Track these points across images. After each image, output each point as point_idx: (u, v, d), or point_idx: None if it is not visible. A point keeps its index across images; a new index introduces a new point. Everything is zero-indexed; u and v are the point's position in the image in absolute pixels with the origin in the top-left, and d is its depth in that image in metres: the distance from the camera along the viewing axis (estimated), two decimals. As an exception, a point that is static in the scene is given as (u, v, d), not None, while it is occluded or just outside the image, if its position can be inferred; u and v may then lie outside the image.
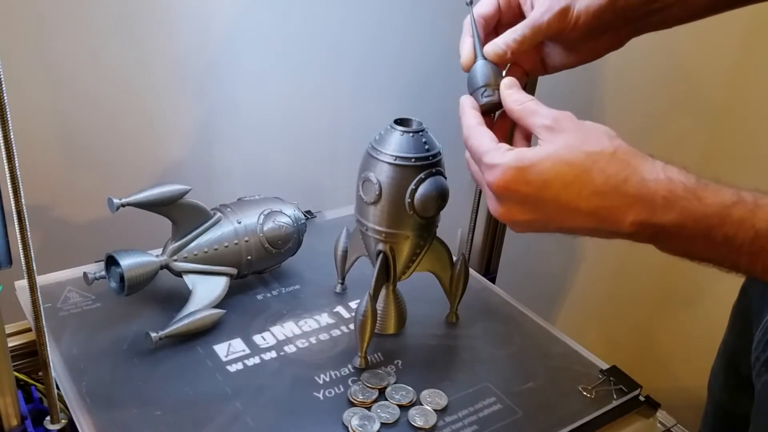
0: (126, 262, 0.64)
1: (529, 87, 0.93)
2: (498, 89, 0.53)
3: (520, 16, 0.57)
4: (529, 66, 0.59)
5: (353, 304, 0.73)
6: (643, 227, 0.45)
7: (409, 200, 0.60)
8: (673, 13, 0.58)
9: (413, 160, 0.59)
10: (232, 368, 0.63)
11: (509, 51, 0.55)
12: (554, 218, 0.47)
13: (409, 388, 0.62)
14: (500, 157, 0.48)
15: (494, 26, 0.59)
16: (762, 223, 0.43)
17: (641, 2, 0.56)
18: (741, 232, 0.43)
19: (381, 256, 0.63)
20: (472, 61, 0.55)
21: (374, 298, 0.63)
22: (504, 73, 0.58)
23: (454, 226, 1.03)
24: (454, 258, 0.69)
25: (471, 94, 0.55)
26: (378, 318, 0.68)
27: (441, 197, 0.61)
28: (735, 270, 0.46)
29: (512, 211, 0.49)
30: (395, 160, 0.59)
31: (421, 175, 0.60)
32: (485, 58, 0.55)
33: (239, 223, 0.70)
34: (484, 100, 0.54)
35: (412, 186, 0.60)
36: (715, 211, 0.44)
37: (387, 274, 0.65)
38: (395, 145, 0.60)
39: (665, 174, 0.45)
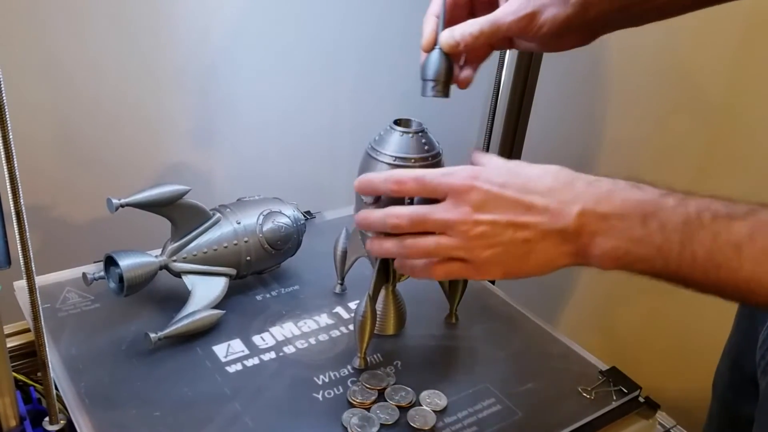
0: (125, 262, 0.64)
1: (529, 86, 0.93)
2: (447, 86, 0.57)
3: (495, 3, 0.58)
4: (495, 42, 0.61)
5: (352, 305, 0.73)
6: (587, 217, 0.49)
7: (409, 201, 0.60)
8: (650, 16, 0.60)
9: (412, 161, 0.59)
10: (232, 369, 0.63)
11: (462, 44, 0.56)
12: (512, 219, 0.50)
13: (409, 389, 0.62)
14: (458, 168, 0.52)
15: (469, 8, 0.60)
16: (692, 208, 0.46)
17: (618, 8, 0.58)
18: (673, 216, 0.47)
19: (380, 256, 0.63)
20: (432, 46, 0.57)
21: (373, 298, 0.63)
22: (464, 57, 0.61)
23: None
24: (454, 259, 0.69)
25: (422, 80, 0.57)
26: (377, 319, 0.68)
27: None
28: (666, 268, 0.47)
29: (475, 211, 0.51)
30: (394, 160, 0.59)
31: None
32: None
33: (239, 223, 0.70)
34: (431, 93, 0.57)
35: None
36: (651, 198, 0.48)
37: (386, 275, 0.65)
38: (394, 145, 0.59)
39: (608, 177, 0.51)
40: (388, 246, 0.55)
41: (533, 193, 0.50)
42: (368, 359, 0.65)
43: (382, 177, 0.54)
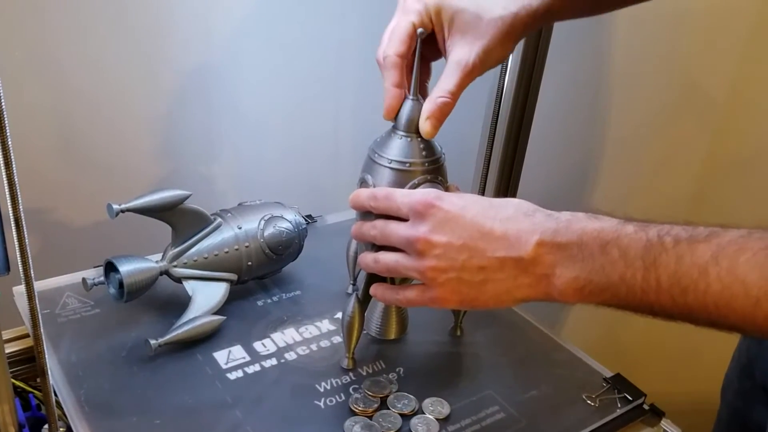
0: (125, 268, 0.63)
1: (532, 90, 0.93)
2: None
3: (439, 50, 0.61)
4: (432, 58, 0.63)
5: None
6: (546, 248, 0.49)
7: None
8: (555, 20, 0.65)
9: (408, 165, 0.58)
10: (232, 376, 0.62)
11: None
12: (468, 243, 0.51)
13: (411, 396, 0.61)
14: (426, 189, 0.55)
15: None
16: (653, 233, 0.46)
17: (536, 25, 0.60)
18: (633, 242, 0.46)
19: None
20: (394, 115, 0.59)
21: (362, 301, 0.62)
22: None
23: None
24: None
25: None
26: (378, 323, 0.68)
27: None
28: (632, 296, 0.47)
29: (432, 230, 0.52)
30: (390, 164, 0.58)
31: (415, 181, 0.58)
32: (414, 98, 0.58)
33: (240, 228, 0.70)
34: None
35: None
36: (610, 226, 0.48)
37: (380, 278, 0.64)
38: (393, 149, 0.59)
39: (568, 211, 0.51)
40: (367, 260, 0.58)
41: (493, 219, 0.51)
42: (370, 366, 0.64)
43: (367, 193, 0.57)
